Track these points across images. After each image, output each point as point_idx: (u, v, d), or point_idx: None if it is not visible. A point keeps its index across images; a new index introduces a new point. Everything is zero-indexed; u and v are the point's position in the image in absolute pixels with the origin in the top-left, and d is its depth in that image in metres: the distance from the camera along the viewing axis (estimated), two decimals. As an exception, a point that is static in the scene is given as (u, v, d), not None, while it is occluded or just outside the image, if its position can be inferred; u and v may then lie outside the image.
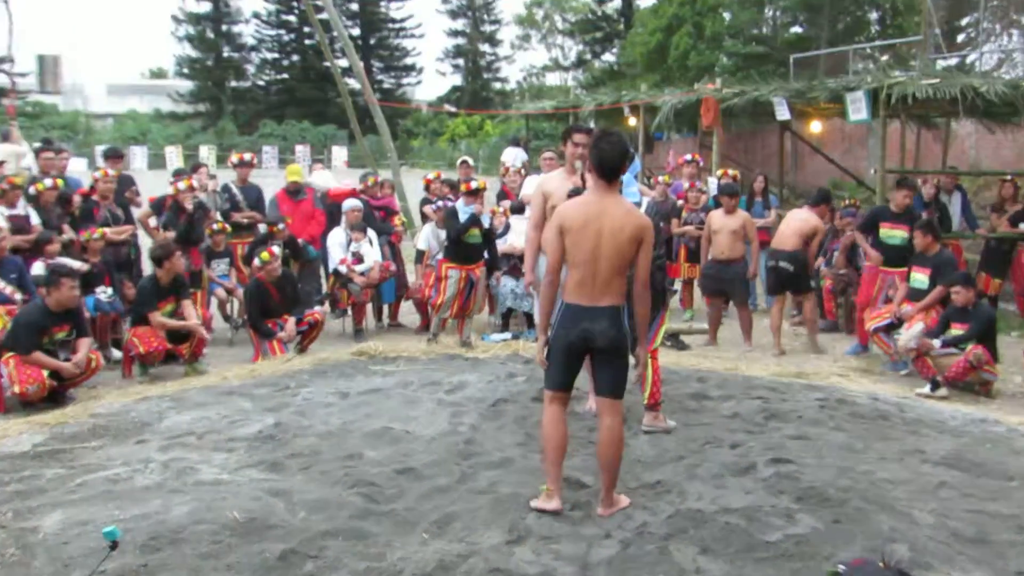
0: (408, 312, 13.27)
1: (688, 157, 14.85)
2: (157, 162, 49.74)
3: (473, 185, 11.44)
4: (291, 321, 10.81)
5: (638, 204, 7.33)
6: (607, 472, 5.73)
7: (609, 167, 5.62)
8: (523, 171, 14.38)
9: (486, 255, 11.54)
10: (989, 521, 5.66)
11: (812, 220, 11.57)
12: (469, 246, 11.23)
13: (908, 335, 9.74)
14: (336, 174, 14.62)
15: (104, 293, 10.48)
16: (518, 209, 12.35)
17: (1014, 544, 5.33)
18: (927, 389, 9.31)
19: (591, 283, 5.58)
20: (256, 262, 10.86)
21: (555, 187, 7.74)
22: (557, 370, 5.74)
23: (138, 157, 49.26)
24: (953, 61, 22.20)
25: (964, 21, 26.85)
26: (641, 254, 5.59)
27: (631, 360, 5.94)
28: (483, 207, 11.50)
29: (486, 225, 11.44)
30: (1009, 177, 14.20)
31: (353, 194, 13.26)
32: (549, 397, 5.80)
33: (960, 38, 26.80)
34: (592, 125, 21.36)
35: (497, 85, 71.76)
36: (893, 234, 11.00)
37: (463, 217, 11.16)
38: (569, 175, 7.81)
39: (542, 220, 7.67)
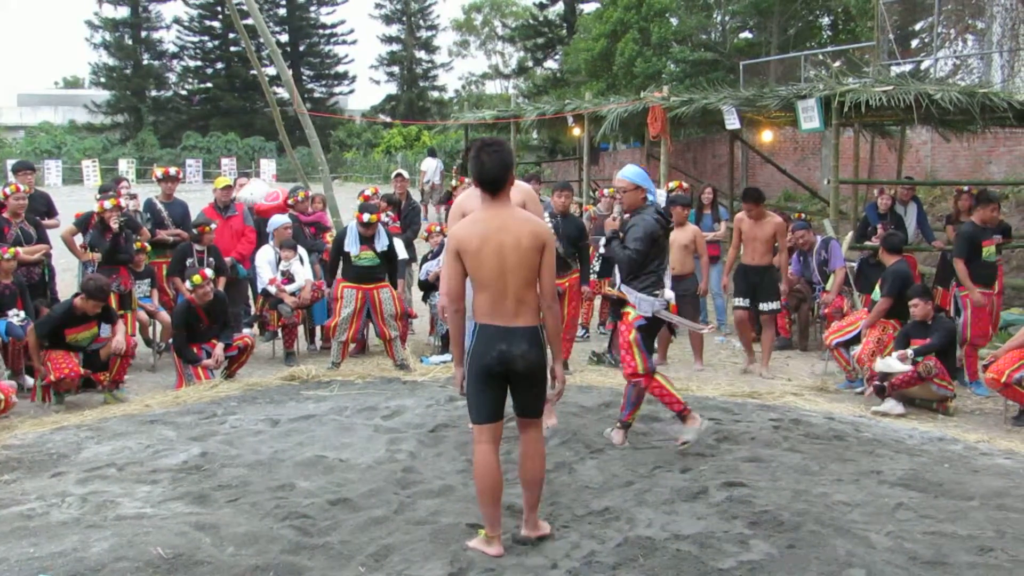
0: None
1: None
2: (73, 176, 49.18)
3: (365, 218, 11.14)
4: (219, 346, 10.71)
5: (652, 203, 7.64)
6: (529, 490, 5.73)
7: (490, 179, 5.59)
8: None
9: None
10: (947, 543, 5.76)
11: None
12: (363, 267, 11.16)
13: (888, 363, 9.81)
14: (268, 182, 14.42)
15: (16, 316, 10.32)
16: None
17: (973, 566, 5.42)
18: (883, 407, 9.45)
19: (502, 301, 5.52)
20: (187, 284, 10.76)
21: (475, 205, 7.70)
22: (480, 400, 5.62)
23: (52, 171, 48.60)
24: (907, 67, 22.59)
25: (918, 26, 27.33)
26: (544, 261, 5.56)
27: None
28: (373, 231, 11.19)
29: (382, 247, 11.23)
30: (965, 188, 14.48)
31: (282, 209, 13.23)
32: (477, 433, 5.66)
33: (914, 44, 27.28)
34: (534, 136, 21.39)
35: (434, 94, 71.73)
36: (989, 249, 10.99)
37: (351, 240, 11.11)
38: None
39: None
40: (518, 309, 5.52)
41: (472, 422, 5.71)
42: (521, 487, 5.83)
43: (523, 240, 5.50)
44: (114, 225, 11.27)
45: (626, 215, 7.89)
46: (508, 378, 5.60)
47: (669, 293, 7.79)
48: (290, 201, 13.43)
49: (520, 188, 7.92)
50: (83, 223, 11.54)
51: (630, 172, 7.76)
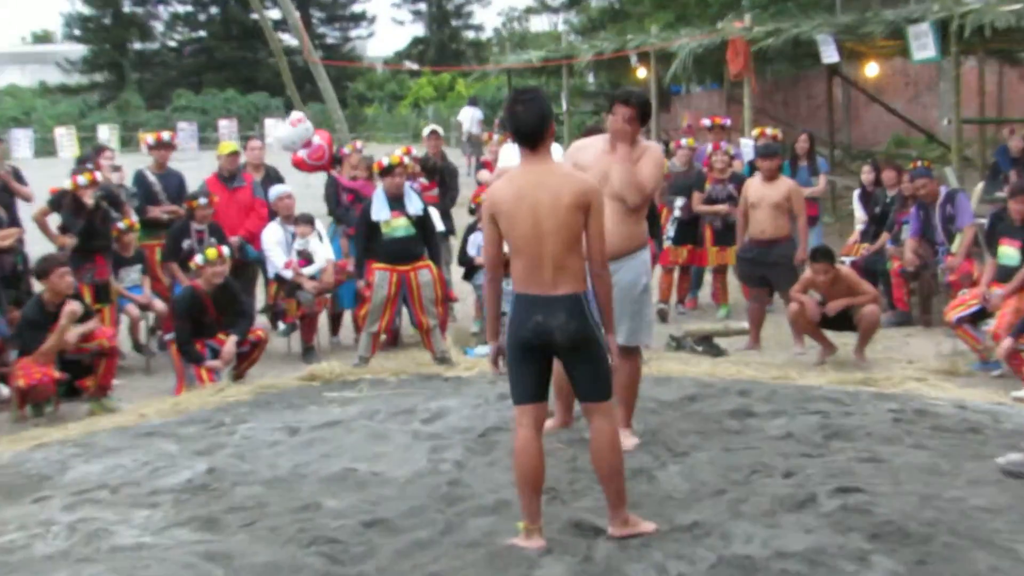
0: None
1: (707, 122, 14.87)
2: (46, 148, 49.62)
3: (385, 162, 11.26)
4: (231, 341, 10.68)
5: None
6: (608, 484, 5.99)
7: (527, 132, 5.85)
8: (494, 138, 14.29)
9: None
10: (1113, 553, 5.68)
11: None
12: (396, 240, 11.12)
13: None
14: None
15: (-15, 315, 10.43)
16: None
17: None
18: (1026, 392, 9.35)
19: (540, 268, 5.78)
20: (198, 259, 10.71)
21: (591, 160, 7.59)
22: (518, 376, 5.97)
23: (22, 142, 48.77)
24: (1041, -20, 22.28)
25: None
26: (591, 223, 5.82)
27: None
28: (400, 185, 11.22)
29: (416, 211, 11.23)
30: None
31: (326, 166, 13.27)
32: (518, 415, 5.96)
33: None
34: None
35: (470, 34, 71.76)
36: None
37: (379, 205, 11.09)
38: (609, 149, 7.61)
39: None
40: (557, 277, 5.78)
41: (513, 403, 6.01)
42: (598, 480, 6.12)
43: (563, 198, 5.75)
44: (89, 202, 11.24)
45: None
46: (552, 353, 5.92)
47: None
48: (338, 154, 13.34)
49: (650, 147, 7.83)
50: (58, 202, 11.54)
51: None
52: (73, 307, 9.85)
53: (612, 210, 7.29)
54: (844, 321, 10.92)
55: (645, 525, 6.04)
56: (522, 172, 5.93)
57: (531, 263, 5.79)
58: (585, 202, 5.77)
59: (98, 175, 11.63)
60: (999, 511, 6.27)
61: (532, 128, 5.83)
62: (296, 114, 14.24)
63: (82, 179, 11.32)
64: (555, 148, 8.22)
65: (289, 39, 39.17)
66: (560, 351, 5.87)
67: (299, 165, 13.51)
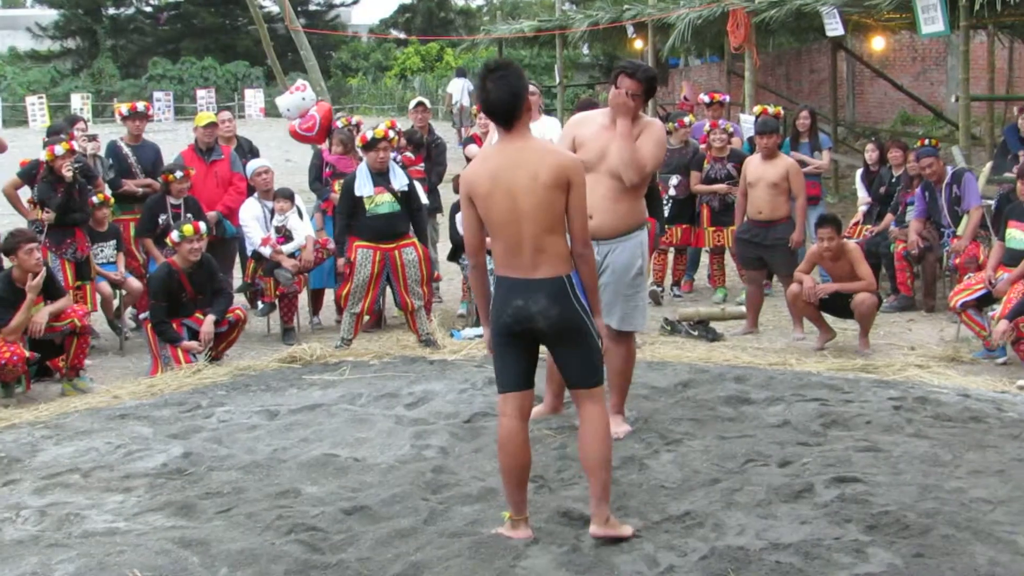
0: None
1: (706, 98, 14.85)
2: (15, 117, 49.47)
3: (369, 135, 11.17)
4: (209, 321, 10.64)
5: None
6: (594, 476, 5.87)
7: (500, 110, 5.76)
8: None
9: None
10: (1116, 547, 5.72)
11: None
12: (379, 217, 11.07)
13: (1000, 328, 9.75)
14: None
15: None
16: None
17: None
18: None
19: (519, 250, 5.72)
20: (174, 235, 10.64)
21: (590, 135, 7.62)
22: (502, 363, 5.95)
23: (-9, 111, 48.97)
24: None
25: None
26: (572, 200, 5.72)
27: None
28: (385, 159, 11.17)
29: (400, 186, 11.19)
30: None
31: (317, 139, 13.30)
32: (501, 402, 5.94)
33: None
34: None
35: (459, 2, 71.47)
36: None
37: (363, 180, 11.03)
38: (609, 124, 7.57)
39: None
40: (537, 259, 5.72)
41: (497, 390, 5.99)
42: (584, 470, 6.04)
43: (541, 177, 5.65)
44: (67, 174, 11.18)
45: None
46: (537, 339, 5.88)
47: None
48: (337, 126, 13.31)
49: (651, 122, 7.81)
50: (29, 174, 11.47)
51: None
52: (37, 280, 9.81)
53: (609, 188, 7.34)
54: (844, 307, 10.92)
55: (625, 528, 5.94)
56: (498, 151, 5.87)
57: (510, 246, 5.73)
58: (564, 179, 5.67)
59: (75, 144, 11.54)
60: (1000, 502, 6.31)
61: (504, 106, 5.72)
62: (300, 82, 14.30)
63: (59, 149, 11.19)
64: (552, 121, 8.29)
65: (270, 5, 39.05)
66: (544, 337, 5.84)
67: (292, 134, 13.58)
